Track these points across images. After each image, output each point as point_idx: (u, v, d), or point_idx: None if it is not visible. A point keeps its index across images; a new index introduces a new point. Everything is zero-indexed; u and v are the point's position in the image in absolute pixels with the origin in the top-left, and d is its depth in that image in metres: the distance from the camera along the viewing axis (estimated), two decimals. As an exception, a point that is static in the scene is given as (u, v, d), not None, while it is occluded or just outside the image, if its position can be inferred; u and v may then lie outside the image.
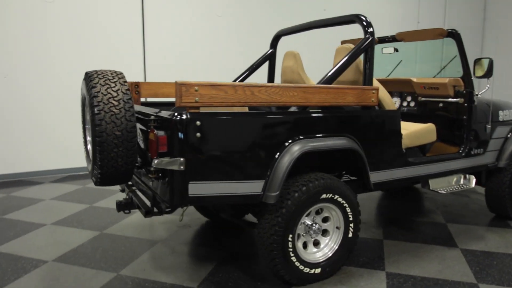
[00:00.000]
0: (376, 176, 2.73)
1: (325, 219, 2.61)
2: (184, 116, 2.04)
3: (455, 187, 3.20)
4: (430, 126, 3.17)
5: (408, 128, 3.12)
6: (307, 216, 2.49)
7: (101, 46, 5.12)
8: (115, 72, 2.26)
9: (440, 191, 3.08)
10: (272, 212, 2.34)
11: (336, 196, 2.50)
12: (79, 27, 4.95)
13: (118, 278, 2.59)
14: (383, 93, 2.87)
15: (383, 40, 3.77)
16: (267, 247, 2.35)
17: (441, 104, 3.44)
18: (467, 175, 3.31)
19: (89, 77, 2.17)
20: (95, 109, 2.04)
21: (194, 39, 5.76)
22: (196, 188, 2.10)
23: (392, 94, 3.86)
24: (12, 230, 3.38)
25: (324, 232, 2.62)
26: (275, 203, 2.32)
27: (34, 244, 3.11)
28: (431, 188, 3.08)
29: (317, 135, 2.44)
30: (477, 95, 3.31)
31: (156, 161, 2.01)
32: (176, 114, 2.05)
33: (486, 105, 3.39)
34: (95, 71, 2.24)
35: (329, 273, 2.56)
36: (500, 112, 3.53)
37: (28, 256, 2.89)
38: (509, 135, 3.57)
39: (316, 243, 2.60)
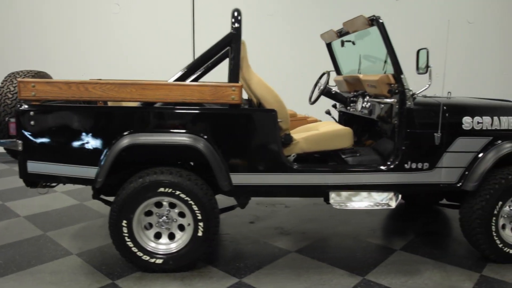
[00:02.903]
0: (239, 179, 2.60)
1: (183, 215, 2.66)
2: (22, 107, 2.49)
3: (367, 204, 2.68)
4: (340, 131, 2.75)
5: (316, 130, 2.79)
6: (158, 208, 2.61)
7: (156, 48, 5.93)
8: (20, 72, 2.89)
9: (340, 207, 2.65)
10: (116, 199, 2.55)
11: (178, 192, 2.53)
12: (139, 33, 5.86)
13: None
14: (265, 91, 2.67)
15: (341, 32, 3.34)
16: (111, 230, 2.57)
17: (382, 106, 2.89)
18: (390, 193, 2.72)
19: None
20: None
21: (244, 38, 6.03)
22: (34, 167, 2.53)
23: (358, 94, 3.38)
24: None
25: (182, 227, 2.67)
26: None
27: None
28: (330, 202, 2.69)
29: (159, 130, 2.52)
30: (414, 94, 2.67)
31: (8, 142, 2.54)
32: (19, 105, 2.51)
33: (434, 108, 2.68)
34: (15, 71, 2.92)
35: (172, 266, 2.61)
36: (466, 119, 2.72)
37: None
38: (482, 151, 2.72)
39: (172, 236, 2.68)
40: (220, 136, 2.56)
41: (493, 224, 2.74)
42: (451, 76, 6.39)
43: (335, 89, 3.64)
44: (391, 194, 2.72)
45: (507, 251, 2.79)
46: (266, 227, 3.48)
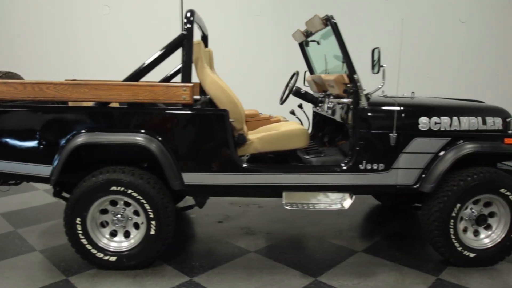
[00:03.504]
0: (191, 178, 2.62)
1: (138, 213, 2.69)
2: None
3: (319, 205, 2.66)
4: (295, 131, 2.75)
5: (276, 130, 2.79)
6: (114, 206, 2.65)
7: (147, 49, 5.98)
8: None
9: (291, 207, 2.64)
10: (71, 197, 2.61)
11: (130, 191, 2.57)
12: (129, 34, 5.92)
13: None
14: (218, 91, 2.69)
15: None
16: (66, 227, 2.62)
17: (340, 106, 2.87)
18: (344, 194, 2.69)
19: None
20: None
21: (232, 39, 6.05)
22: (-6, 165, 2.60)
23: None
24: None
25: (137, 226, 2.70)
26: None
27: None
28: (283, 202, 2.68)
29: (112, 130, 2.56)
30: (368, 94, 2.65)
31: None
32: None
33: (390, 108, 2.65)
34: None
35: (125, 263, 2.64)
36: (423, 119, 2.67)
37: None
38: (441, 152, 2.67)
39: (128, 234, 2.72)
40: (172, 136, 2.58)
41: (451, 226, 2.68)
42: (445, 76, 6.30)
43: (308, 89, 3.62)
44: (345, 195, 2.70)
45: (467, 254, 2.73)
46: (233, 226, 3.49)
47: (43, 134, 2.57)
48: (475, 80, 6.32)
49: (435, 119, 2.68)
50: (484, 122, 2.78)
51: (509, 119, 2.84)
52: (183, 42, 2.55)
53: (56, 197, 2.88)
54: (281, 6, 6.03)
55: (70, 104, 2.90)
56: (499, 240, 2.75)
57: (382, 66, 2.57)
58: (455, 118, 2.72)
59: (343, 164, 2.68)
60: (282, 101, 3.48)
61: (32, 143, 2.58)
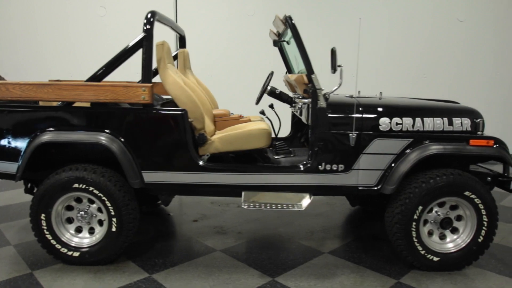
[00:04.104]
0: (151, 177, 2.67)
1: (102, 210, 2.75)
2: None
3: (277, 205, 2.66)
4: (255, 131, 2.76)
5: (236, 130, 2.80)
6: (79, 203, 2.73)
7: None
8: None
9: (248, 207, 2.65)
10: (36, 194, 2.69)
11: (92, 188, 2.63)
12: (126, 35, 6.02)
13: None
14: (179, 92, 2.72)
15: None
16: (32, 222, 2.71)
17: (304, 106, 2.85)
18: (302, 194, 2.68)
19: None
20: None
21: (225, 39, 6.09)
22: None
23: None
24: None
25: (102, 222, 2.77)
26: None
27: None
28: (242, 201, 2.69)
29: (74, 128, 2.63)
30: (326, 94, 2.63)
31: None
32: None
33: (348, 108, 2.62)
34: None
35: (88, 259, 2.71)
36: (384, 120, 2.64)
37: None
38: (401, 153, 2.63)
39: (92, 231, 2.78)
40: (132, 135, 2.63)
41: (414, 229, 2.64)
42: (444, 76, 6.16)
43: (284, 90, 3.62)
44: (304, 196, 2.69)
45: (430, 258, 2.68)
46: (206, 225, 3.53)
47: (10, 132, 2.66)
48: (474, 80, 6.18)
49: (396, 119, 2.64)
50: (451, 123, 2.72)
51: (479, 120, 2.77)
52: (143, 43, 2.60)
53: (27, 194, 2.97)
54: (275, 6, 6.03)
55: (41, 103, 2.99)
56: (463, 245, 2.69)
57: (339, 66, 2.54)
58: (418, 119, 2.67)
59: (301, 165, 2.67)
60: (257, 101, 3.49)
61: (1, 142, 2.67)
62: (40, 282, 2.54)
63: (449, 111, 2.77)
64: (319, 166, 2.64)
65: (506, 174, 2.87)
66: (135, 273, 2.67)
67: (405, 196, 2.63)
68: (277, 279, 2.61)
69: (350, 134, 2.61)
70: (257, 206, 2.65)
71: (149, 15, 2.65)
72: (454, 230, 2.75)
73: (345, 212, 3.94)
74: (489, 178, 2.91)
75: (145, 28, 2.61)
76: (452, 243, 2.71)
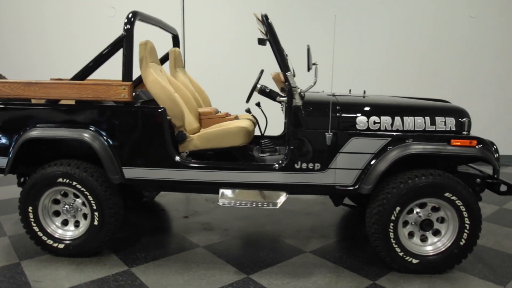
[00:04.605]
0: (131, 173, 2.74)
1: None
2: None
3: (252, 203, 2.67)
4: (231, 129, 2.78)
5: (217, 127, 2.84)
6: (65, 197, 2.84)
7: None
8: None
9: (223, 204, 2.68)
10: (24, 187, 2.82)
11: (75, 183, 2.73)
12: (135, 35, 6.19)
13: None
14: (158, 90, 2.77)
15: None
16: (21, 215, 2.84)
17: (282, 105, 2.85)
18: (278, 192, 2.68)
19: None
20: None
21: (233, 39, 6.13)
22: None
23: None
24: None
25: (86, 216, 2.86)
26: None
27: None
28: (219, 198, 2.72)
29: (58, 126, 2.73)
30: (301, 92, 2.61)
31: None
32: None
33: (324, 107, 2.60)
34: None
35: (73, 251, 2.81)
36: (361, 119, 2.60)
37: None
38: (379, 153, 2.58)
39: (77, 224, 2.89)
40: (113, 132, 2.71)
41: (391, 230, 2.59)
42: (452, 74, 5.98)
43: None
44: (280, 194, 2.69)
45: (409, 260, 2.63)
46: (196, 222, 3.58)
47: (1, 129, 2.79)
48: (480, 78, 5.98)
49: (374, 118, 2.60)
50: (433, 122, 2.65)
51: (464, 119, 2.69)
52: (123, 42, 2.67)
53: (20, 187, 3.11)
54: (285, 6, 6.03)
55: (34, 101, 3.12)
56: (443, 248, 2.61)
57: (314, 64, 2.53)
58: (397, 118, 2.62)
59: (277, 164, 2.67)
60: (247, 99, 3.50)
61: (-8, 137, 2.82)
62: (24, 272, 2.65)
63: (433, 110, 2.70)
64: (295, 165, 2.64)
65: (495, 176, 2.77)
66: (115, 266, 2.75)
67: (383, 196, 2.58)
68: (252, 276, 2.63)
69: (326, 133, 2.59)
70: (232, 204, 2.67)
71: (130, 15, 2.72)
72: (437, 233, 2.68)
73: (338, 212, 3.90)
74: (478, 180, 2.82)
75: (125, 27, 2.68)
76: (432, 246, 2.65)
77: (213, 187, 2.74)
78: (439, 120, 2.66)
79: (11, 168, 2.78)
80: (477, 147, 2.56)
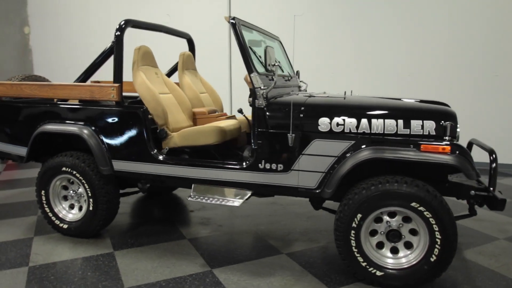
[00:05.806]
0: (118, 165, 3.02)
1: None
2: None
3: (216, 200, 2.74)
4: (206, 128, 2.89)
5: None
6: (72, 184, 3.25)
7: (201, 55, 6.59)
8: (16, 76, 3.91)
9: (192, 199, 2.80)
10: (38, 174, 3.30)
11: (75, 172, 3.11)
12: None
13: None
14: (144, 91, 3.00)
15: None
16: (37, 197, 3.32)
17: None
18: (242, 191, 2.70)
19: None
20: None
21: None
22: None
23: None
24: None
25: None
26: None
27: None
28: (190, 193, 2.85)
29: (62, 122, 3.14)
30: (264, 93, 2.61)
31: None
32: None
33: (286, 108, 2.56)
34: None
35: (73, 232, 3.20)
36: (324, 120, 2.51)
37: None
38: (342, 156, 2.47)
39: (81, 209, 3.28)
40: (104, 128, 3.03)
41: (353, 238, 2.46)
42: (449, 76, 5.29)
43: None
44: (247, 193, 2.72)
45: (373, 272, 2.46)
46: (198, 216, 3.76)
47: (24, 123, 3.30)
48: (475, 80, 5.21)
49: (337, 120, 2.50)
50: (407, 126, 2.45)
51: (447, 123, 2.43)
52: (113, 48, 2.97)
53: None
54: (323, 5, 5.92)
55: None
56: (406, 265, 2.40)
57: (274, 65, 2.52)
58: (364, 120, 2.47)
59: (244, 163, 2.71)
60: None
61: (17, 130, 3.34)
62: (32, 245, 3.11)
63: (409, 112, 2.49)
64: (259, 165, 2.66)
65: (491, 188, 2.46)
66: (103, 248, 3.06)
67: (345, 202, 2.47)
68: (214, 270, 2.72)
69: (288, 134, 2.56)
70: (199, 199, 2.79)
71: (122, 23, 3.00)
72: (409, 245, 2.47)
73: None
74: (473, 192, 2.53)
75: (116, 34, 2.97)
76: (394, 259, 2.45)
77: (187, 182, 2.89)
78: (415, 123, 2.45)
79: (28, 157, 3.27)
80: (451, 154, 2.30)
